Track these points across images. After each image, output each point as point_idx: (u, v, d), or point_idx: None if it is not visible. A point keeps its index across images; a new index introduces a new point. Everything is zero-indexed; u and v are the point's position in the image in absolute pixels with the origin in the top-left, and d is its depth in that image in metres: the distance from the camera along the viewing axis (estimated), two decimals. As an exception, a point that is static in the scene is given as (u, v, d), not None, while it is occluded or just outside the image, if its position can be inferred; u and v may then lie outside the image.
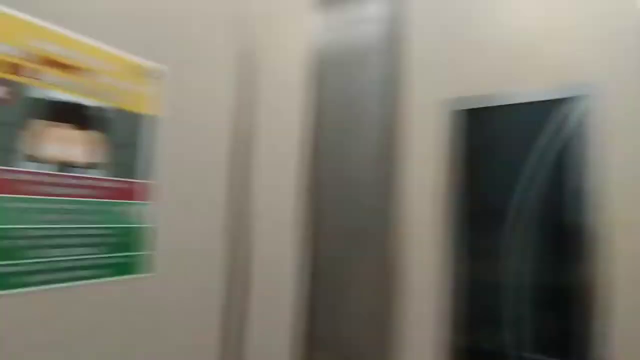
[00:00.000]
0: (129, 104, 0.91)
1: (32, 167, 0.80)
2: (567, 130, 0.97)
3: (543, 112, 1.01)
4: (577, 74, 1.00)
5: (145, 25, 0.93)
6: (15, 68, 0.76)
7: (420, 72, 1.07)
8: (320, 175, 1.18)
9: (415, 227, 1.04)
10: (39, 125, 0.80)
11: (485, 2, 1.07)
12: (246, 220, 1.08)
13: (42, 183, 0.81)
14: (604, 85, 0.98)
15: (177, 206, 0.99)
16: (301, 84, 1.21)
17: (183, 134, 1.00)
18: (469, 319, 1.00)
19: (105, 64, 0.87)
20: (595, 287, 0.91)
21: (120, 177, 0.90)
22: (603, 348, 0.90)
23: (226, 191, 1.06)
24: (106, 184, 0.89)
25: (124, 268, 0.90)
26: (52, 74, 0.81)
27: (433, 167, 1.04)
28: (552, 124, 0.99)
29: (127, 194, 0.91)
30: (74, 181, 0.85)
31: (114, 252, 0.88)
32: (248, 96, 1.10)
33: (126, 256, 0.89)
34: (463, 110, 1.03)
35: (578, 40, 1.02)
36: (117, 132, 0.90)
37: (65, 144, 0.83)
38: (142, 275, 0.93)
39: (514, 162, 1.01)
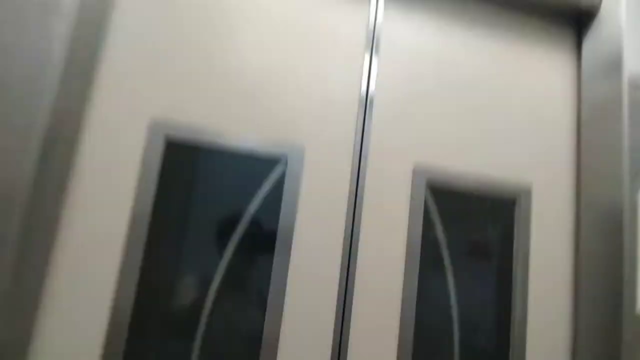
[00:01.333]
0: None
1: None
2: (268, 191, 0.98)
3: (248, 164, 0.98)
4: (289, 133, 1.00)
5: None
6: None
7: (119, 88, 0.93)
8: None
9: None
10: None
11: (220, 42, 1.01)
12: None
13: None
14: (305, 151, 1.00)
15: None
16: None
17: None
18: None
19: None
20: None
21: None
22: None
23: None
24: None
25: None
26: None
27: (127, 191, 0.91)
28: (254, 179, 0.98)
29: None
30: None
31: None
32: None
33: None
34: (167, 137, 0.93)
35: (295, 98, 1.02)
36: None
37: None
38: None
39: (211, 209, 0.96)
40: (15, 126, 0.71)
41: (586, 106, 1.18)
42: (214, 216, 0.95)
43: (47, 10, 0.76)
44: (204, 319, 0.91)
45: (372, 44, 1.09)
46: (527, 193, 1.13)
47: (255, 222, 0.96)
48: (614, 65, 1.09)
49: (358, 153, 1.04)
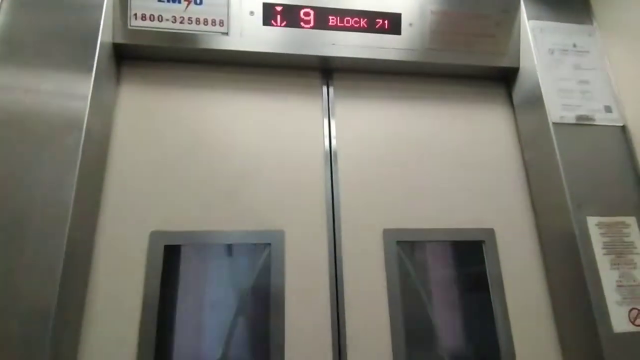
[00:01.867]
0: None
1: None
2: (257, 274, 1.11)
3: (238, 254, 1.15)
4: (270, 221, 1.16)
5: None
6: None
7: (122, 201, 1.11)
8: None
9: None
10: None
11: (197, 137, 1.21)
12: None
13: None
14: (286, 234, 1.15)
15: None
16: None
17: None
18: None
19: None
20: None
21: None
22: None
23: None
24: None
25: None
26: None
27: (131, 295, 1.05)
28: (245, 267, 1.13)
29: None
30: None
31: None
32: None
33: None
34: (166, 245, 1.09)
35: (270, 191, 1.19)
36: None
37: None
38: None
39: (206, 302, 1.10)
40: (42, 255, 0.89)
41: (525, 148, 1.33)
42: (215, 302, 1.09)
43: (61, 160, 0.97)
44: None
45: (330, 143, 1.28)
46: (491, 234, 1.24)
47: (251, 299, 1.09)
48: (539, 108, 1.25)
49: (332, 226, 1.19)
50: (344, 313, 1.11)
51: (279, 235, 1.15)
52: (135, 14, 1.17)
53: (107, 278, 1.05)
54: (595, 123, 1.23)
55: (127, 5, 1.17)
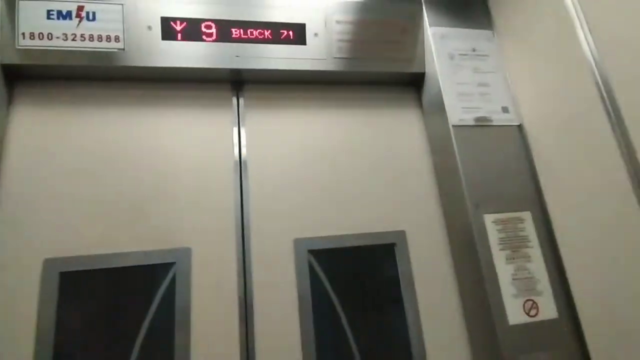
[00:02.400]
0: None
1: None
2: (162, 296, 1.09)
3: (141, 277, 1.11)
4: (176, 238, 1.15)
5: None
6: None
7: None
8: None
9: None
10: None
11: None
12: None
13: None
14: (192, 251, 1.14)
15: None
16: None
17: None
18: None
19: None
20: None
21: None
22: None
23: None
24: None
25: None
26: None
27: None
28: (148, 290, 1.09)
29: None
30: None
31: None
32: None
33: None
34: (61, 272, 1.05)
35: (180, 205, 1.18)
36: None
37: None
38: None
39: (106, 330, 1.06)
40: None
41: (432, 151, 1.38)
42: (117, 327, 1.06)
43: None
44: None
45: (240, 157, 1.27)
46: (403, 236, 1.27)
47: (155, 320, 1.07)
48: (441, 111, 1.30)
49: (241, 239, 1.18)
50: (253, 329, 1.10)
51: (185, 252, 1.13)
52: (24, 33, 1.13)
53: (-5, 310, 1.00)
54: (493, 124, 1.29)
55: (14, 24, 1.12)
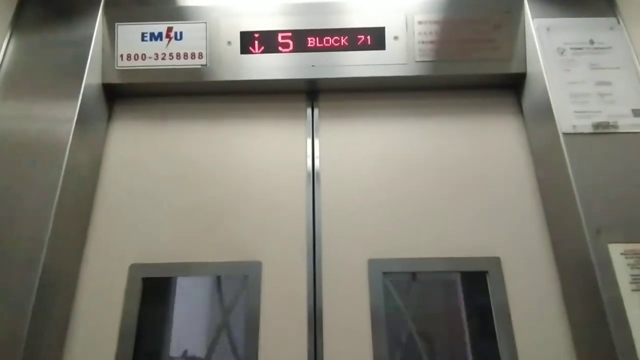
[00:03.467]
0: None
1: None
2: (234, 308, 1.08)
3: (214, 287, 1.11)
4: (248, 251, 1.12)
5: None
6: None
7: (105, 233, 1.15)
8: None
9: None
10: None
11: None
12: None
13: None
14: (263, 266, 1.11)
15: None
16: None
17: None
18: None
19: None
20: None
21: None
22: None
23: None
24: None
25: None
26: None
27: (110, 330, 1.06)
28: (220, 300, 1.09)
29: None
30: None
31: None
32: None
33: None
34: (144, 277, 1.10)
35: (252, 218, 1.16)
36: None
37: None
38: None
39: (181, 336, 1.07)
40: (16, 285, 0.93)
41: (537, 164, 1.17)
42: (190, 336, 1.07)
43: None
44: None
45: (313, 169, 1.22)
46: (497, 263, 1.08)
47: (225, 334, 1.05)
48: (548, 117, 1.09)
49: (312, 255, 1.11)
50: (322, 351, 1.02)
51: (256, 266, 1.10)
52: (122, 55, 1.23)
53: (87, 309, 1.07)
54: (619, 131, 1.04)
55: (114, 47, 1.24)
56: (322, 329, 1.04)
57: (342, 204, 1.18)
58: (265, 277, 1.10)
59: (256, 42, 1.23)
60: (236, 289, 1.10)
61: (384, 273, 1.09)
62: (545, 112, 1.10)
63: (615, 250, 0.92)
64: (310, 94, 1.31)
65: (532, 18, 1.19)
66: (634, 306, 0.88)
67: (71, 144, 1.07)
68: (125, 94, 1.29)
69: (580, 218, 0.96)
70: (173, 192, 1.20)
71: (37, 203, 1.00)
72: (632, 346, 0.85)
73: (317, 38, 1.23)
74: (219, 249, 1.13)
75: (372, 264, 1.10)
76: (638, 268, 0.91)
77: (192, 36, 1.24)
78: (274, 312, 1.06)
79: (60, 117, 1.09)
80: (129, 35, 1.23)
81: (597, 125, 1.05)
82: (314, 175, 1.20)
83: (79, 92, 1.12)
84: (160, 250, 1.13)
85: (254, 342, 1.03)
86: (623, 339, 0.85)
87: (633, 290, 0.89)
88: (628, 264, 0.91)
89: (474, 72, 1.22)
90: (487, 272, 1.08)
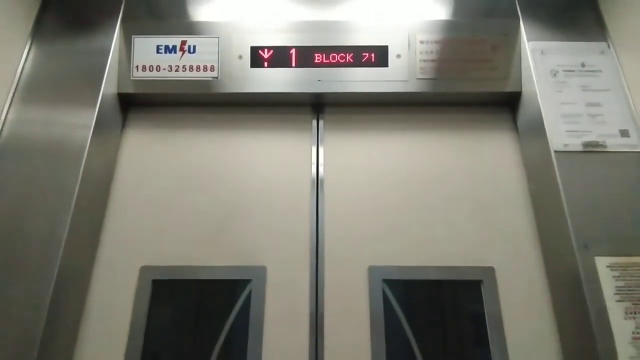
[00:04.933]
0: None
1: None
2: (238, 311, 1.12)
3: (220, 290, 1.16)
4: (252, 256, 1.18)
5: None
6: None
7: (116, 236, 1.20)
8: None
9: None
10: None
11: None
12: None
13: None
14: (267, 270, 1.16)
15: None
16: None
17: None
18: None
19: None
20: None
21: None
22: None
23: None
24: None
25: None
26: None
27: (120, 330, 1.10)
28: (225, 303, 1.14)
29: None
30: None
31: None
32: None
33: None
34: (154, 279, 1.15)
35: (257, 223, 1.21)
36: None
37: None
38: None
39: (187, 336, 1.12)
40: (33, 284, 0.98)
41: (530, 180, 1.23)
42: (198, 334, 1.11)
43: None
44: None
45: (317, 178, 1.27)
46: (491, 273, 1.14)
47: (232, 331, 1.10)
48: (541, 135, 1.15)
49: (315, 261, 1.17)
50: (323, 353, 1.07)
51: (261, 271, 1.16)
52: (137, 66, 1.29)
53: (98, 309, 1.12)
54: (607, 150, 1.10)
55: (130, 58, 1.30)
56: (323, 333, 1.09)
57: (344, 211, 1.23)
58: (270, 281, 1.15)
59: (266, 57, 1.30)
60: (241, 292, 1.15)
61: (384, 280, 1.14)
62: (539, 130, 1.17)
63: (602, 263, 0.98)
64: (316, 106, 1.37)
65: (528, 41, 1.26)
66: (618, 316, 0.93)
67: (89, 150, 1.12)
68: (139, 103, 1.35)
69: (569, 231, 1.02)
70: (183, 198, 1.25)
71: (56, 204, 1.06)
72: (615, 350, 0.90)
73: (324, 54, 1.30)
74: (226, 254, 1.19)
75: (372, 270, 1.15)
76: (622, 280, 0.97)
77: (204, 50, 1.30)
78: (277, 315, 1.11)
79: (78, 124, 1.15)
80: (145, 47, 1.29)
81: (587, 144, 1.11)
82: (318, 184, 1.26)
83: (97, 101, 1.18)
84: (170, 253, 1.19)
85: (258, 344, 1.08)
86: (607, 348, 0.91)
87: (617, 301, 0.95)
88: (613, 276, 0.97)
89: (472, 90, 1.29)
90: (481, 280, 1.14)
